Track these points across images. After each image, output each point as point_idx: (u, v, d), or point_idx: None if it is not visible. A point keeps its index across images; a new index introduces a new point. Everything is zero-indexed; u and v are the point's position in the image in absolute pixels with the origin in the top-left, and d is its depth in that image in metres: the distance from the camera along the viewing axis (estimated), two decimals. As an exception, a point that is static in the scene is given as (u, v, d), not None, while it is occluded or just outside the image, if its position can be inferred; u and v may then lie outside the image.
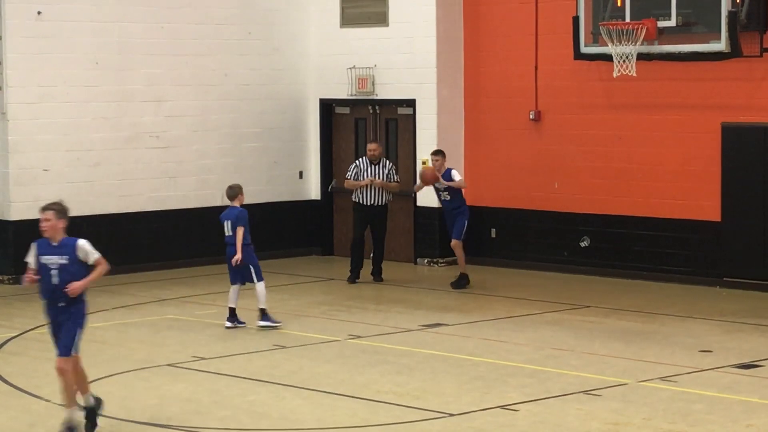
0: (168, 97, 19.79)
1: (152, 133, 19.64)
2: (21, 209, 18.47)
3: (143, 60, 19.51)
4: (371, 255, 18.57)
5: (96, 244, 10.27)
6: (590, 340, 14.37)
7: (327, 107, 21.26)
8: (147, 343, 14.41)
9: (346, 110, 21.19)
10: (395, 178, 18.64)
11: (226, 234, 15.01)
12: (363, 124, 21.10)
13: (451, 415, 11.19)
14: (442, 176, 17.78)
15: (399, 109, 20.58)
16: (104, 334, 14.86)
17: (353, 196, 18.63)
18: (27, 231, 18.43)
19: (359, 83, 20.64)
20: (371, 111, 20.91)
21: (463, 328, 15.20)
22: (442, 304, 16.84)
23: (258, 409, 11.47)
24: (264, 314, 15.07)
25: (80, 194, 18.83)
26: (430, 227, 20.16)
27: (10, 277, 18.39)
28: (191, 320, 15.69)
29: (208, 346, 14.15)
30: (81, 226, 18.96)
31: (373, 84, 20.51)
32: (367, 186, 18.34)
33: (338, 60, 20.78)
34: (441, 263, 20.02)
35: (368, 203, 18.40)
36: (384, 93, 20.50)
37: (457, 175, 17.88)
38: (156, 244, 19.65)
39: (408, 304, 16.82)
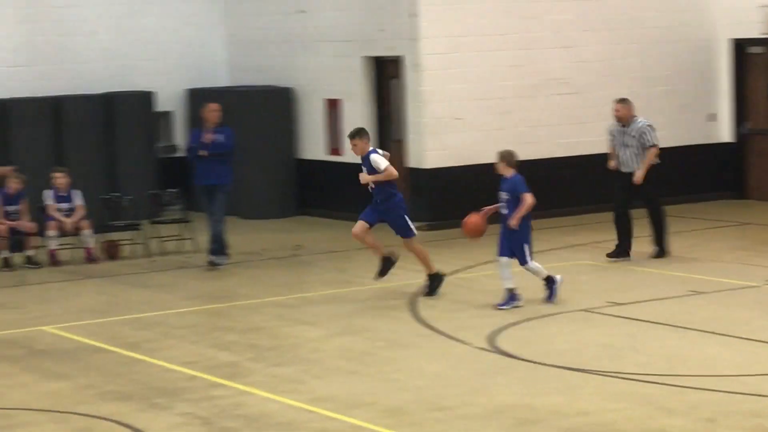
0: (575, 43, 19.78)
1: (560, 79, 19.71)
2: (434, 157, 19.00)
3: (551, 7, 19.58)
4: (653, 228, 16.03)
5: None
6: None
7: (739, 47, 20.64)
8: (562, 288, 14.47)
9: (760, 50, 20.49)
10: (650, 141, 15.63)
11: None
12: (777, 63, 20.37)
13: None
14: (363, 159, 14.19)
15: (816, 46, 19.72)
16: (521, 281, 15.07)
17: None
18: (440, 179, 19.04)
19: (773, 21, 19.92)
20: (786, 49, 20.16)
21: None
22: None
23: (675, 354, 11.37)
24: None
25: (491, 142, 19.10)
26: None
27: (426, 223, 18.93)
28: (604, 265, 15.68)
29: (622, 291, 14.11)
30: (487, 173, 19.39)
31: (788, 21, 19.75)
32: (614, 151, 15.78)
33: (751, -2, 20.11)
34: None
35: (622, 170, 15.78)
36: (800, 30, 19.71)
37: (380, 160, 13.94)
38: (565, 190, 19.72)
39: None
